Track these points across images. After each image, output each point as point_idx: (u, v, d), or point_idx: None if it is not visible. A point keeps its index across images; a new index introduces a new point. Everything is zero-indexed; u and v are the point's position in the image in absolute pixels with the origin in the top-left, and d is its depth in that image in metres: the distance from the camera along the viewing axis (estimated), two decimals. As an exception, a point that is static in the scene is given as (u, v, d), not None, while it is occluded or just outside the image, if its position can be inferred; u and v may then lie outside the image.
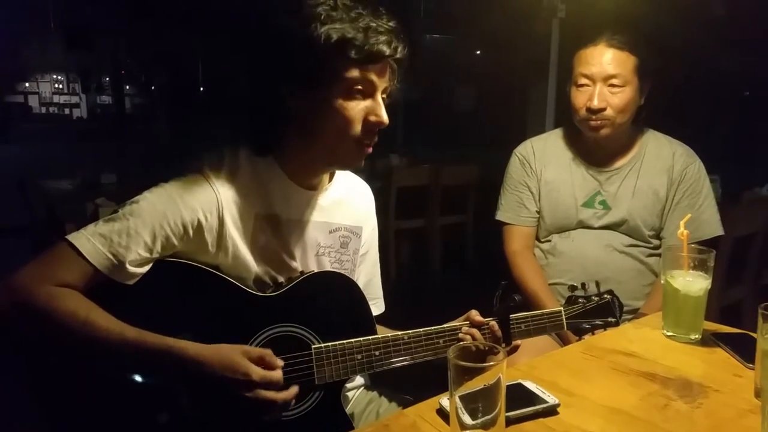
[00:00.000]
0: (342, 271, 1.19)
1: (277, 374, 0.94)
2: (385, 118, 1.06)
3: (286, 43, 1.03)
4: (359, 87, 1.03)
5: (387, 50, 1.01)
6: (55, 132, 19.14)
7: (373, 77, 1.03)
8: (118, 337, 0.91)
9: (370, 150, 1.09)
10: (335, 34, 0.98)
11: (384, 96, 1.07)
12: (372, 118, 1.05)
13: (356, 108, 1.04)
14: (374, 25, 1.01)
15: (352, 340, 1.06)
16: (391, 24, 1.03)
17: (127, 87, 20.74)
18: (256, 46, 1.11)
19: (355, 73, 1.01)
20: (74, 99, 27.54)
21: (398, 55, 1.04)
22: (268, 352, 0.95)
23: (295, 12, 1.02)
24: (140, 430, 1.00)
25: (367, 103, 1.05)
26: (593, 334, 1.27)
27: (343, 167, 1.17)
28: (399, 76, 1.10)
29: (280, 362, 0.95)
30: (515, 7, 4.02)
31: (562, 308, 1.25)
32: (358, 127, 1.04)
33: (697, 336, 1.19)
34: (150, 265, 1.01)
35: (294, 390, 0.97)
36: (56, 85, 28.29)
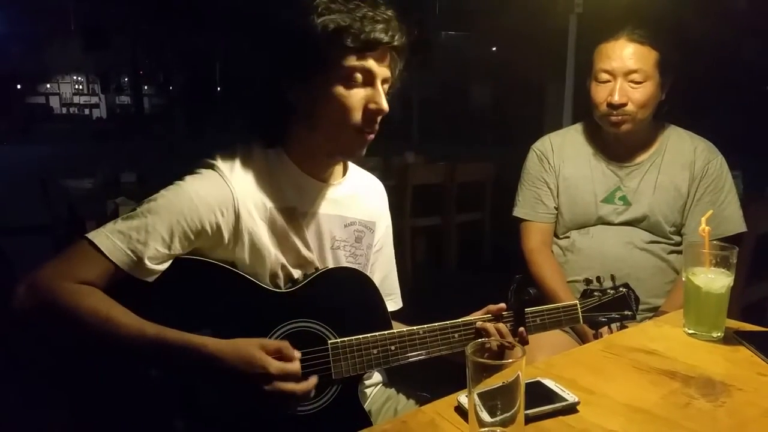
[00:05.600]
0: (356, 266, 1.19)
1: (295, 366, 0.94)
2: (384, 105, 1.06)
3: (285, 36, 1.05)
4: (358, 75, 1.04)
5: (384, 37, 1.02)
6: (75, 132, 19.39)
7: (372, 65, 1.04)
8: (138, 333, 0.92)
9: (371, 137, 1.10)
10: (332, 23, 1.00)
11: (386, 86, 1.08)
12: (371, 106, 1.06)
13: (356, 96, 1.05)
14: (371, 14, 1.02)
15: (368, 335, 1.06)
16: (388, 13, 1.04)
17: (146, 87, 20.98)
18: (256, 40, 1.13)
19: (353, 61, 1.02)
20: (94, 99, 27.89)
21: (395, 43, 1.04)
22: (285, 344, 0.95)
23: (294, 5, 1.04)
24: (160, 426, 1.01)
25: (367, 91, 1.05)
26: (609, 327, 1.26)
27: (346, 157, 1.18)
28: (400, 65, 1.10)
29: (297, 354, 0.95)
30: (532, 3, 3.99)
31: (577, 302, 1.24)
32: (358, 115, 1.05)
33: (719, 334, 1.17)
34: (169, 262, 1.02)
35: (313, 381, 0.97)
36: (76, 86, 28.67)
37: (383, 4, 1.05)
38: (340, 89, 1.04)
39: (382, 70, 1.06)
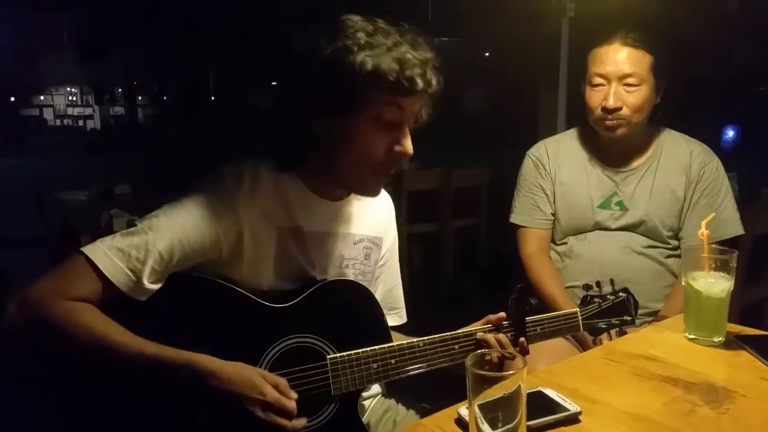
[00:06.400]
0: (363, 283, 1.16)
1: (291, 404, 0.93)
2: (410, 149, 1.04)
3: (320, 67, 0.99)
4: (387, 117, 1.00)
5: (420, 84, 0.98)
6: (69, 144, 19.36)
7: (403, 109, 1.01)
8: (136, 352, 0.90)
9: (387, 178, 1.08)
10: (370, 62, 0.96)
11: (411, 124, 1.05)
12: (397, 149, 1.03)
13: (382, 138, 1.02)
14: (410, 56, 0.98)
15: (368, 348, 1.04)
16: (427, 55, 1.00)
17: (140, 98, 20.99)
18: (286, 65, 1.08)
19: (384, 103, 0.99)
20: (88, 111, 27.86)
21: (431, 89, 1.01)
22: (283, 382, 0.94)
23: (333, 36, 0.99)
24: None
25: (394, 134, 1.02)
26: (609, 333, 1.25)
27: (360, 194, 1.13)
28: (430, 106, 1.07)
29: (294, 395, 0.94)
30: (524, 8, 4.00)
31: (578, 309, 1.23)
32: (380, 157, 1.03)
33: (720, 338, 1.16)
34: (164, 280, 1.00)
35: (303, 422, 0.95)
36: (70, 98, 28.66)
37: (423, 43, 1.01)
38: (368, 130, 1.00)
39: (412, 114, 1.03)
